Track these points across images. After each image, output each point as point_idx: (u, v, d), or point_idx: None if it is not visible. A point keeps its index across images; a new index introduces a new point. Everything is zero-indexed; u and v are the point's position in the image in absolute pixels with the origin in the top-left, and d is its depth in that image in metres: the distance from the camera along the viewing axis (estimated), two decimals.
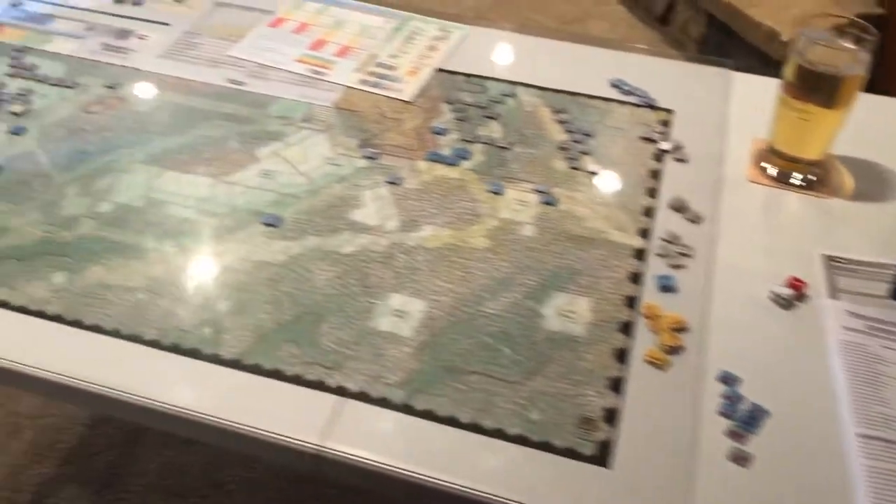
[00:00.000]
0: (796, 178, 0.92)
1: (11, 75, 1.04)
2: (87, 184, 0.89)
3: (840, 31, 0.86)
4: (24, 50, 1.09)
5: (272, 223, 0.85)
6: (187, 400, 0.69)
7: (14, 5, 1.17)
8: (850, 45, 0.85)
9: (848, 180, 0.93)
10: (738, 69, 1.09)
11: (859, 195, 0.91)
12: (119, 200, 0.87)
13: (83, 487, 1.42)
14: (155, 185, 0.89)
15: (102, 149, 0.94)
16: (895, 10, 2.20)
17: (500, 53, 1.12)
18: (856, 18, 0.85)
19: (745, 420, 0.69)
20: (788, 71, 0.87)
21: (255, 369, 0.72)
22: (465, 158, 0.95)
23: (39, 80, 1.04)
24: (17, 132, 0.95)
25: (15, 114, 0.98)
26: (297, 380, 0.71)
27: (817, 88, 0.86)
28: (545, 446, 0.67)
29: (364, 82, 1.06)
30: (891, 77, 1.68)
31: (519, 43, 1.14)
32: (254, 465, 1.44)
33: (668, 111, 1.02)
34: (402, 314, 0.77)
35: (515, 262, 0.82)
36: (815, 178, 0.92)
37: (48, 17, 1.15)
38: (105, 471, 1.44)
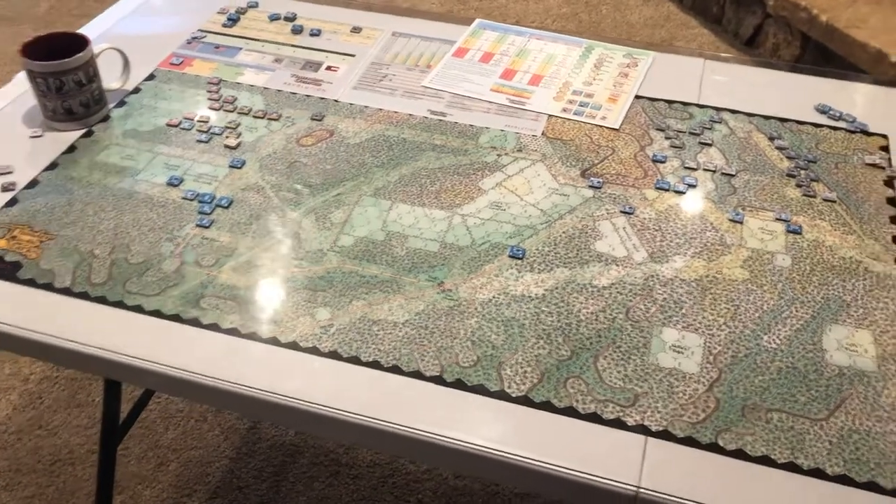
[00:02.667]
0: None
1: (214, 109, 1.04)
2: (321, 217, 0.88)
3: None
4: (218, 83, 1.09)
5: (518, 255, 0.84)
6: (491, 440, 0.67)
7: (196, 38, 1.17)
8: None
9: None
10: None
11: None
12: (358, 234, 0.86)
13: None
14: (389, 219, 0.88)
15: (326, 182, 0.93)
16: None
17: (692, 78, 1.11)
18: None
19: None
20: None
21: (548, 407, 0.70)
22: (693, 186, 0.93)
23: (242, 113, 1.03)
24: (237, 165, 0.95)
25: (230, 147, 0.97)
26: (595, 418, 0.69)
27: None
28: (871, 486, 0.64)
29: (566, 111, 1.04)
30: None
31: (708, 68, 1.13)
32: (409, 497, 1.42)
33: (884, 136, 1.00)
34: (681, 349, 0.75)
35: (780, 293, 0.80)
36: None
37: (234, 50, 1.15)
38: None
